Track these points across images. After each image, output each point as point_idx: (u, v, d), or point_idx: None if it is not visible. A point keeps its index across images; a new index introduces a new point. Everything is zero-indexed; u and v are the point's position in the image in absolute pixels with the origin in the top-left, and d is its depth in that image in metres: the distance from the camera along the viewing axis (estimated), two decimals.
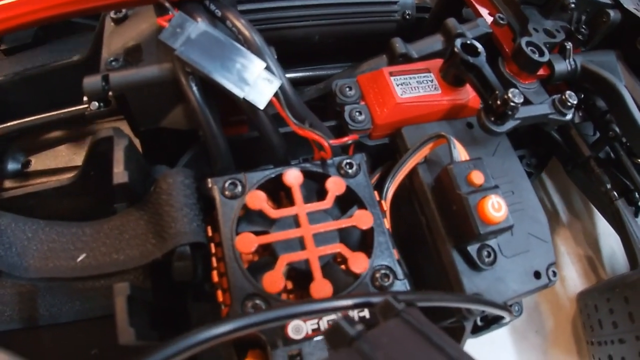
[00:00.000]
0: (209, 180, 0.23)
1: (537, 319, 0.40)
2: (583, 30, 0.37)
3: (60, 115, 0.34)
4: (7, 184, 0.38)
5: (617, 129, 0.36)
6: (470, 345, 0.37)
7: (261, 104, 0.22)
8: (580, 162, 0.38)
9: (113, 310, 0.20)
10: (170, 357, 0.10)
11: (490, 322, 0.30)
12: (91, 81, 0.25)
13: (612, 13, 0.36)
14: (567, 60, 0.34)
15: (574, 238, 0.44)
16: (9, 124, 0.36)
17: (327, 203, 0.22)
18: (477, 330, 0.30)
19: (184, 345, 0.10)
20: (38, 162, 0.38)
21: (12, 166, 0.38)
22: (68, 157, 0.40)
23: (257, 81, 0.21)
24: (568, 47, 0.34)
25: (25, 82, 0.38)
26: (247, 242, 0.20)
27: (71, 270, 0.24)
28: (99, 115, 0.30)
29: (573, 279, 0.42)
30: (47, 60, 0.39)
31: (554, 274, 0.27)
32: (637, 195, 0.39)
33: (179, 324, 0.26)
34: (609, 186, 0.37)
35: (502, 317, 0.30)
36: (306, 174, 0.23)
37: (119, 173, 0.23)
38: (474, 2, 0.35)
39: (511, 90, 0.26)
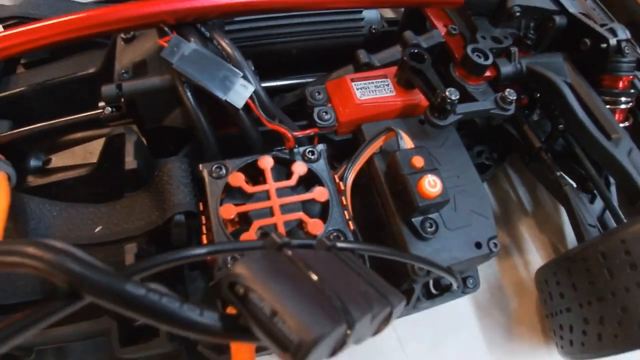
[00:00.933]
0: (200, 165, 0.30)
1: (502, 298, 0.46)
2: (531, 35, 0.44)
3: (78, 118, 0.43)
4: (30, 178, 0.46)
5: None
6: (437, 320, 0.44)
7: (239, 104, 0.30)
8: (533, 154, 0.45)
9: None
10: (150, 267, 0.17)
11: (444, 290, 0.37)
12: (108, 89, 0.33)
13: (557, 19, 0.43)
14: (513, 63, 0.41)
15: (538, 226, 0.50)
16: (32, 126, 0.44)
17: (292, 182, 0.30)
18: (432, 297, 0.37)
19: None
20: (57, 160, 0.47)
21: (34, 163, 0.47)
22: (83, 155, 0.48)
23: (235, 87, 0.29)
24: (513, 51, 0.41)
25: (47, 91, 0.47)
26: (228, 210, 0.28)
27: (90, 238, 0.31)
28: (112, 118, 0.38)
29: (537, 263, 0.48)
30: (64, 72, 0.48)
31: (495, 245, 0.34)
32: (591, 183, 0.45)
33: (176, 287, 0.34)
34: (558, 173, 0.43)
35: (451, 285, 0.36)
36: (277, 159, 0.31)
37: (130, 161, 0.31)
38: (430, 16, 0.42)
39: (448, 89, 0.33)
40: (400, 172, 0.31)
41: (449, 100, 0.33)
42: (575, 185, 0.46)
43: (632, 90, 0.43)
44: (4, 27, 0.48)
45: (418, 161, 0.31)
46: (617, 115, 0.43)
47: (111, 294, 0.15)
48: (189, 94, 0.31)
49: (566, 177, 0.45)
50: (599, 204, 0.46)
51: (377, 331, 0.21)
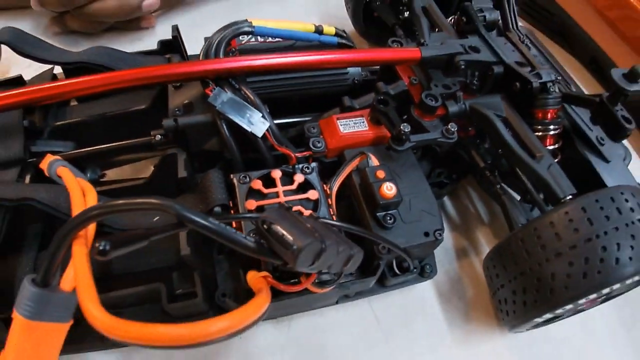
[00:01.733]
0: (231, 175, 0.49)
1: (460, 288, 0.63)
2: (475, 82, 0.64)
3: (132, 143, 0.62)
4: None
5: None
6: (407, 304, 0.61)
7: (259, 134, 0.49)
8: (480, 173, 0.63)
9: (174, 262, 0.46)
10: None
11: (405, 270, 0.54)
12: (168, 121, 0.52)
13: (495, 68, 0.62)
14: (459, 104, 0.60)
15: (493, 233, 0.68)
16: (93, 148, 0.62)
17: (294, 186, 0.48)
18: (395, 275, 0.54)
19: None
20: (110, 175, 0.66)
21: (90, 176, 0.65)
22: (131, 173, 0.67)
23: (257, 123, 0.49)
24: (459, 94, 0.60)
25: (105, 120, 0.64)
26: (251, 204, 0.46)
27: (151, 224, 0.49)
28: (162, 143, 0.57)
29: None
30: (118, 107, 0.65)
31: (440, 234, 0.51)
32: (528, 196, 0.63)
33: (207, 266, 0.52)
34: (498, 186, 0.61)
35: (409, 266, 0.54)
36: (283, 172, 0.50)
37: (181, 171, 0.50)
38: (398, 70, 0.63)
39: (403, 124, 0.52)
40: (369, 181, 0.50)
41: (403, 132, 0.52)
42: (519, 197, 0.64)
43: (559, 120, 0.62)
44: (68, 70, 0.68)
45: (380, 174, 0.50)
46: (548, 140, 0.62)
47: (198, 223, 0.32)
48: (224, 127, 0.51)
49: (510, 190, 0.63)
50: (537, 212, 0.64)
51: (341, 269, 0.39)
